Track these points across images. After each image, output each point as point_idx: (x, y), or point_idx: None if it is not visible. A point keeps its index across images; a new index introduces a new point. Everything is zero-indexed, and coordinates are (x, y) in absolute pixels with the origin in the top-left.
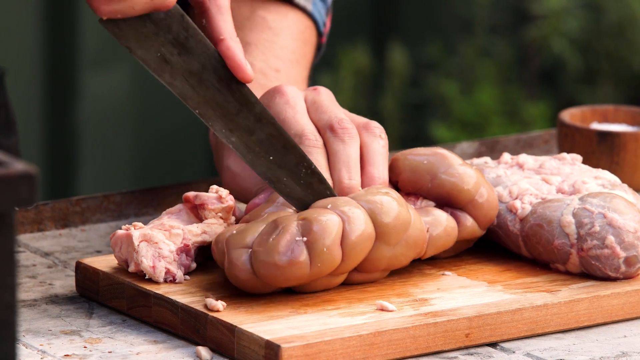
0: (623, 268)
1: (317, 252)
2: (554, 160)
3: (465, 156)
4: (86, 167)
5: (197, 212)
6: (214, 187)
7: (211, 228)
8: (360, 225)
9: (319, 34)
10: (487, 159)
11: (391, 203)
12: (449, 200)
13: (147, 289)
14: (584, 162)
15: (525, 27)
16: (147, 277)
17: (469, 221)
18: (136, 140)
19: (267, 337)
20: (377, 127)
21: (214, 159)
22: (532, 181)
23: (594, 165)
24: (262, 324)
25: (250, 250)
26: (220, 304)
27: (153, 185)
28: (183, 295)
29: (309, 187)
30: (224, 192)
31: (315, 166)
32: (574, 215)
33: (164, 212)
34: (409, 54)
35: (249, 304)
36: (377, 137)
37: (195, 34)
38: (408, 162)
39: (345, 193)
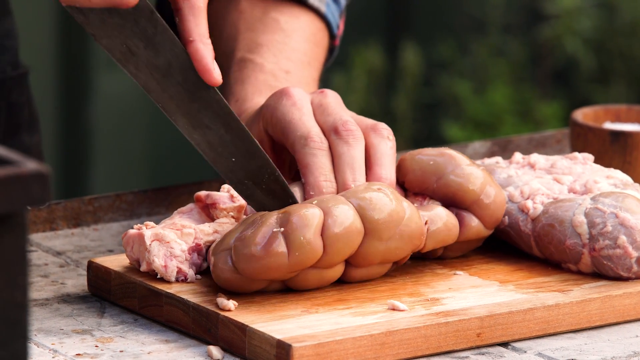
0: (635, 268)
1: (294, 242)
2: (565, 160)
3: (477, 156)
4: (99, 166)
5: (208, 212)
6: (226, 186)
7: (223, 227)
8: (346, 219)
9: (332, 36)
10: (498, 158)
11: (382, 199)
12: (454, 201)
13: (159, 288)
14: (597, 161)
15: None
16: (158, 276)
17: (474, 221)
18: (149, 139)
19: (278, 336)
20: (384, 129)
21: None
22: (544, 181)
23: (607, 164)
24: (273, 323)
25: (229, 250)
26: (231, 304)
27: (165, 184)
28: (194, 295)
29: (270, 193)
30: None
31: (279, 174)
32: (586, 215)
33: (176, 212)
34: (422, 54)
35: (260, 304)
36: (385, 139)
37: (164, 31)
38: (415, 163)
39: None
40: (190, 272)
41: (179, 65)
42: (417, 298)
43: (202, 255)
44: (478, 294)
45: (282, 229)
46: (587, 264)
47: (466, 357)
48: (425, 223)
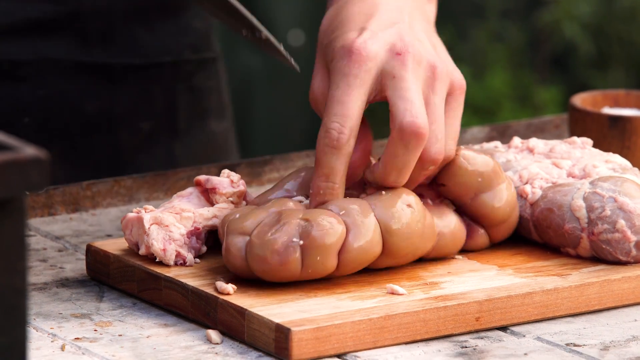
0: (634, 252)
1: (310, 259)
2: (564, 145)
3: (476, 141)
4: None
5: (207, 196)
6: (226, 171)
7: (222, 212)
8: (367, 242)
9: None
10: (497, 143)
11: (407, 221)
12: (478, 219)
13: (158, 271)
14: (595, 146)
15: (537, 11)
16: (157, 260)
17: (482, 234)
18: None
19: (277, 320)
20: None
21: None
22: (543, 165)
23: (605, 149)
24: (272, 307)
25: (247, 238)
26: (230, 287)
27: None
28: (193, 279)
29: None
30: (236, 176)
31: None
32: (585, 199)
33: (175, 195)
34: None
35: (259, 287)
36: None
37: None
38: (461, 174)
39: (413, 129)
40: (189, 256)
41: None
42: (416, 282)
43: (201, 239)
44: (477, 278)
45: (302, 242)
46: (585, 248)
47: (465, 341)
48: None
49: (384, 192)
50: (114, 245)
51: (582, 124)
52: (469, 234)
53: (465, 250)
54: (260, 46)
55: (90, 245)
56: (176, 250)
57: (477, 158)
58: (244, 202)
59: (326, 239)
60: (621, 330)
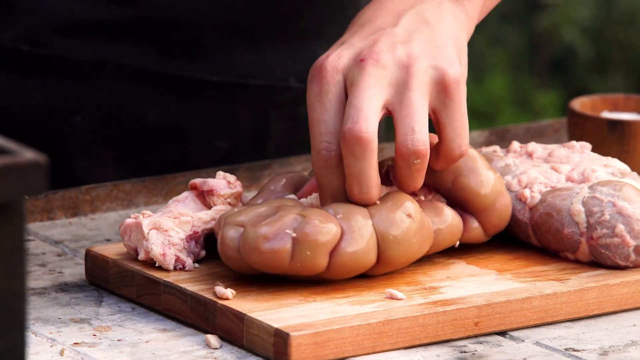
0: (633, 257)
1: (300, 253)
2: (563, 149)
3: (475, 145)
4: None
5: (203, 199)
6: (221, 173)
7: (220, 215)
8: (360, 249)
9: None
10: (496, 147)
11: (405, 232)
12: (463, 205)
13: (157, 276)
14: (594, 151)
15: (536, 15)
16: (156, 265)
17: (476, 227)
18: None
19: (276, 325)
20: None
21: None
22: (541, 170)
23: (604, 154)
24: (271, 312)
25: (242, 229)
26: (229, 292)
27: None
28: (192, 283)
29: None
30: (232, 177)
31: None
32: (584, 203)
33: (171, 200)
34: None
35: (258, 292)
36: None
37: None
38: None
39: (412, 151)
40: (189, 261)
41: None
42: (415, 287)
43: (200, 243)
44: (476, 282)
45: (294, 235)
46: (584, 252)
47: (464, 345)
48: (434, 232)
49: (387, 200)
50: (113, 250)
51: (581, 128)
52: (463, 226)
53: (461, 245)
54: None
55: (89, 250)
56: (175, 255)
57: None
58: (240, 204)
59: (319, 236)
60: (620, 335)
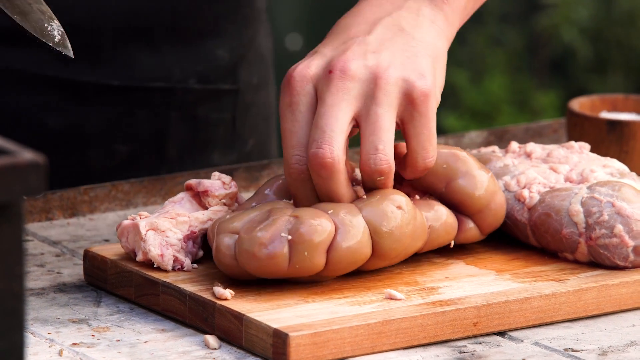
0: (632, 257)
1: (298, 255)
2: (562, 149)
3: (474, 145)
4: None
5: (199, 200)
6: (217, 173)
7: (217, 215)
8: (355, 241)
9: None
10: (494, 147)
11: (398, 223)
12: (458, 207)
13: (155, 277)
14: (593, 151)
15: (535, 15)
16: (155, 265)
17: (471, 227)
18: None
19: (275, 325)
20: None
21: None
22: (540, 170)
23: (603, 154)
24: (270, 312)
25: (236, 236)
26: (228, 292)
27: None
28: (191, 284)
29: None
30: (227, 178)
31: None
32: (583, 204)
33: (167, 201)
34: None
35: (257, 292)
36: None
37: None
38: None
39: (373, 169)
40: (187, 261)
41: None
42: (413, 287)
43: (197, 243)
44: (475, 283)
45: (290, 237)
46: (583, 253)
47: (463, 346)
48: (428, 227)
49: (375, 194)
50: (112, 251)
51: (580, 129)
52: (458, 227)
53: (457, 245)
54: (28, 35)
55: (87, 251)
56: (174, 255)
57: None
58: (235, 204)
59: (315, 236)
60: (619, 336)
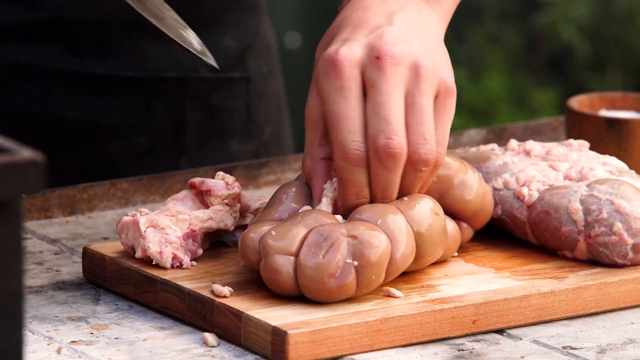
0: (631, 255)
1: (365, 278)
2: (561, 147)
3: (473, 144)
4: None
5: (202, 199)
6: (220, 173)
7: (218, 214)
8: (407, 251)
9: None
10: (494, 145)
11: (434, 226)
12: (454, 214)
13: (154, 274)
14: (592, 149)
15: (533, 13)
16: (154, 262)
17: (465, 227)
18: None
19: (274, 323)
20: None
21: None
22: (539, 168)
23: (602, 152)
24: (269, 310)
25: (294, 258)
26: (227, 290)
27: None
28: (190, 281)
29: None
30: (230, 178)
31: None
32: (582, 202)
33: (169, 199)
34: None
35: (256, 290)
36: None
37: None
38: None
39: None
40: (186, 259)
41: None
42: (412, 285)
43: (197, 241)
44: (473, 280)
45: (356, 263)
46: (582, 251)
47: (461, 343)
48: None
49: (405, 199)
50: (110, 248)
51: (579, 127)
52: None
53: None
54: (166, 39)
55: (86, 248)
56: (172, 253)
57: None
58: (238, 205)
59: (380, 258)
60: (618, 333)
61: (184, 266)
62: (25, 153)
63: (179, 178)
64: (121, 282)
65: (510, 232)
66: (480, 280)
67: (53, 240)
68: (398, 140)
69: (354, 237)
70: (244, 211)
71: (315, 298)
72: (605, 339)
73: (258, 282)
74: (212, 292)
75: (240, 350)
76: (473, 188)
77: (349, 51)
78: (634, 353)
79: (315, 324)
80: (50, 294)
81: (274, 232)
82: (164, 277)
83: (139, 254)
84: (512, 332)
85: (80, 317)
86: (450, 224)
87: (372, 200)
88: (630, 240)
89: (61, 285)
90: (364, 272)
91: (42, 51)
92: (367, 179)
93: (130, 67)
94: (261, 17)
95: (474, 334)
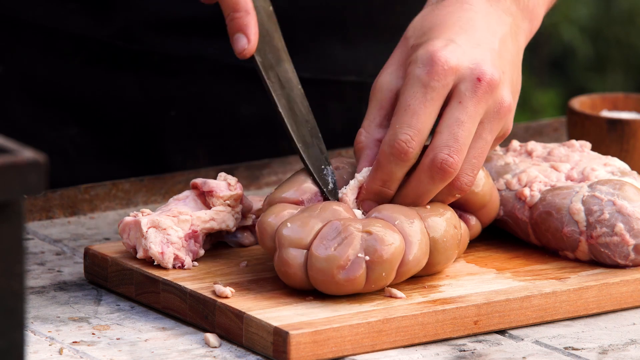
0: (632, 255)
1: (375, 275)
2: (562, 148)
3: None
4: None
5: (204, 199)
6: (222, 174)
7: (219, 215)
8: (420, 250)
9: None
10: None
11: (450, 234)
12: (463, 206)
13: (156, 275)
14: (594, 150)
15: None
16: (155, 263)
17: (474, 224)
18: None
19: (275, 323)
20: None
21: None
22: (541, 168)
23: (604, 153)
24: (270, 310)
25: (305, 251)
26: (228, 291)
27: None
28: (191, 282)
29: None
30: (232, 179)
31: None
32: (583, 202)
33: (172, 199)
34: None
35: (257, 291)
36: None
37: None
38: None
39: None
40: (187, 259)
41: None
42: (414, 285)
43: (198, 242)
44: (475, 281)
45: (367, 258)
46: (584, 251)
47: (463, 344)
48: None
49: (428, 207)
50: (112, 249)
51: (580, 127)
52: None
53: None
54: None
55: (88, 249)
56: (174, 253)
57: None
58: (240, 206)
59: (392, 256)
60: (619, 334)
61: (185, 267)
62: (27, 153)
63: (181, 179)
64: (123, 283)
65: (512, 232)
66: (482, 281)
67: (55, 240)
68: (457, 161)
69: (369, 233)
70: (245, 212)
71: (324, 290)
72: (607, 339)
73: (259, 283)
74: (214, 292)
75: (242, 351)
76: (481, 180)
77: (453, 57)
78: (636, 354)
79: (317, 324)
80: (52, 294)
81: (289, 224)
82: (165, 278)
83: (140, 254)
84: (514, 332)
85: (82, 318)
86: (464, 227)
87: (397, 201)
88: (632, 241)
89: (63, 286)
90: (374, 268)
91: (222, 46)
92: (401, 175)
93: (310, 68)
94: None
95: (475, 335)
